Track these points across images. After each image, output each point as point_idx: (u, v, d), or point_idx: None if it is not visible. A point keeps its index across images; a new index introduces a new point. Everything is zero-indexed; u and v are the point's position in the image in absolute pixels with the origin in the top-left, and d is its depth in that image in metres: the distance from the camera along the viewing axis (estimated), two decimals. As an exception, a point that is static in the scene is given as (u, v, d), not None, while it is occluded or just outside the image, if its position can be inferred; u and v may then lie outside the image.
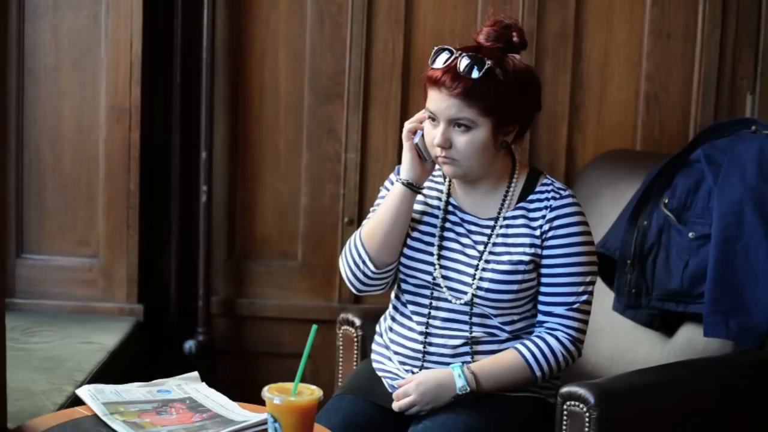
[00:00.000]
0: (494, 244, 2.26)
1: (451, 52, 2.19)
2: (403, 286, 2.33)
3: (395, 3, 3.26)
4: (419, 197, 2.32)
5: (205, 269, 3.33)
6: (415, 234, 2.31)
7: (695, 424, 2.37)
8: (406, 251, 2.31)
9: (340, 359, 2.78)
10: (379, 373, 2.36)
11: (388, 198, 2.29)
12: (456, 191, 2.33)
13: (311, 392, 1.89)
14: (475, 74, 2.15)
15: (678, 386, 2.36)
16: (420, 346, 2.29)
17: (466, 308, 2.26)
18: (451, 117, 2.18)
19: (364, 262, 2.28)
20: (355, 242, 2.31)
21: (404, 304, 2.34)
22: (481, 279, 2.24)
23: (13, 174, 3.20)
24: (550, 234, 2.25)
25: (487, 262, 2.25)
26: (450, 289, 2.27)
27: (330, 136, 3.32)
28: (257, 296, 3.38)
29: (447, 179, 2.34)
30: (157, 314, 3.34)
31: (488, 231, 2.28)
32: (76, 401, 2.22)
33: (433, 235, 2.30)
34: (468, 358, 2.25)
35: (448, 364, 2.25)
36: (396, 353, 2.33)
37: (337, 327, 2.78)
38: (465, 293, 2.25)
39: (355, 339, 2.74)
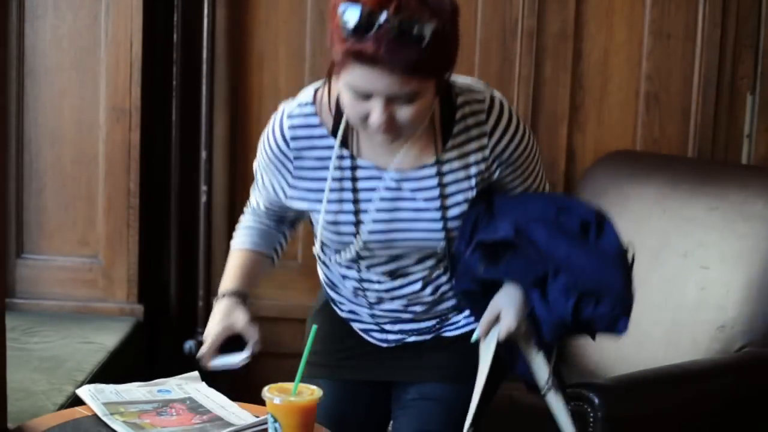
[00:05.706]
0: (444, 196, 2.00)
1: (375, 14, 1.75)
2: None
3: (395, 3, 3.26)
4: (345, 172, 2.03)
5: (205, 269, 3.32)
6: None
7: (700, 423, 2.37)
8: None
9: (341, 359, 2.77)
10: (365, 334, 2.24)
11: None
12: (369, 149, 2.01)
13: (311, 392, 1.88)
14: (420, 43, 1.75)
15: (682, 386, 2.36)
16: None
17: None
18: (394, 93, 1.81)
19: None
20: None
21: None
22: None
23: (13, 174, 3.20)
24: (496, 164, 2.00)
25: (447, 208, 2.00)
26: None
27: (330, 136, 3.30)
28: (257, 296, 3.36)
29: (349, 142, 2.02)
30: (157, 314, 3.33)
31: (432, 182, 1.99)
32: (76, 401, 2.22)
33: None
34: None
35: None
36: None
37: (337, 327, 2.78)
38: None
39: (356, 339, 2.72)
